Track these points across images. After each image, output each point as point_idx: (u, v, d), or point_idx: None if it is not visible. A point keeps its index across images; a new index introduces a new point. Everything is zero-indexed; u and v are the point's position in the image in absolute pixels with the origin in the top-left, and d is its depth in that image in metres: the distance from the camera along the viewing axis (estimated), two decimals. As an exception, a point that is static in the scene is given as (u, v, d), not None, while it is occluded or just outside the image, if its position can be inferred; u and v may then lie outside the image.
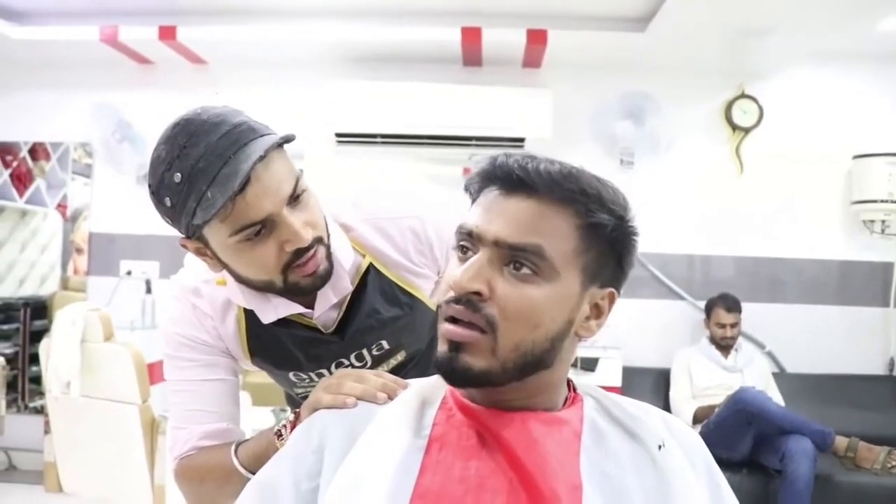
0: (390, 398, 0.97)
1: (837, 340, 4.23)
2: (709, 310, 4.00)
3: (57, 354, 3.18)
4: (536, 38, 3.88)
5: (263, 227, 1.09)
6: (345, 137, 4.07)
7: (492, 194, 0.89)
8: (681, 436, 0.96)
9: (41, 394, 4.11)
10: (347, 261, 1.25)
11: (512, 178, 0.87)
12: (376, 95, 4.02)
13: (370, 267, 1.31)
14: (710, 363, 3.90)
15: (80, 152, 4.51)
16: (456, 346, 0.86)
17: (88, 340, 3.17)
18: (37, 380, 4.24)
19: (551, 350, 0.88)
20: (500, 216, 0.86)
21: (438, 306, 0.90)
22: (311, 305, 1.26)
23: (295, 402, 1.49)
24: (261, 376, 1.47)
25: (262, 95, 3.76)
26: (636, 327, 4.04)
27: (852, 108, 4.22)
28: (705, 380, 3.84)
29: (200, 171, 1.04)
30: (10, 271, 4.70)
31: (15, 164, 4.53)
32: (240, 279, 1.19)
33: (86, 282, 4.51)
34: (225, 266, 1.16)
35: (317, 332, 1.30)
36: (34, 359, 4.13)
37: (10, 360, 4.29)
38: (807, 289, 4.28)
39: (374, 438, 0.89)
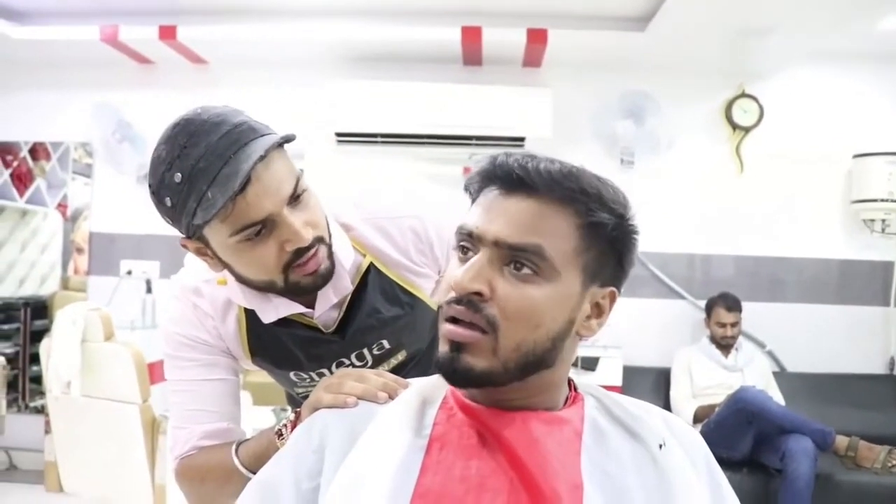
0: (391, 398, 0.97)
1: (838, 340, 4.23)
2: (709, 309, 4.00)
3: (57, 354, 3.18)
4: (536, 38, 3.88)
5: (264, 227, 1.09)
6: (345, 137, 4.07)
7: (491, 194, 0.89)
8: (681, 435, 0.96)
9: (42, 393, 4.11)
10: (348, 260, 1.25)
11: (512, 177, 0.86)
12: (376, 95, 4.02)
13: (371, 266, 1.31)
14: (710, 362, 3.90)
15: (81, 152, 4.51)
16: (457, 346, 0.86)
17: (89, 340, 3.18)
18: (37, 379, 4.24)
19: (553, 350, 0.88)
20: (501, 216, 0.86)
21: (439, 307, 0.90)
22: (311, 305, 1.26)
23: (295, 401, 1.49)
24: (261, 376, 1.47)
25: (262, 95, 3.77)
26: (636, 327, 4.04)
27: (852, 107, 4.22)
28: (706, 379, 3.84)
29: (201, 171, 1.04)
30: (10, 271, 4.70)
31: (15, 163, 4.53)
32: (240, 279, 1.19)
33: (86, 281, 4.52)
34: (225, 266, 1.16)
35: (317, 332, 1.30)
36: (35, 358, 4.14)
37: (11, 360, 4.29)
38: (807, 288, 4.28)
39: (374, 438, 0.89)
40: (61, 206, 4.53)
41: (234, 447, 1.23)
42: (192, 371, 1.29)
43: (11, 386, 4.31)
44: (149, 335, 3.81)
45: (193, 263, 1.29)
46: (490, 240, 0.86)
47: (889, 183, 3.96)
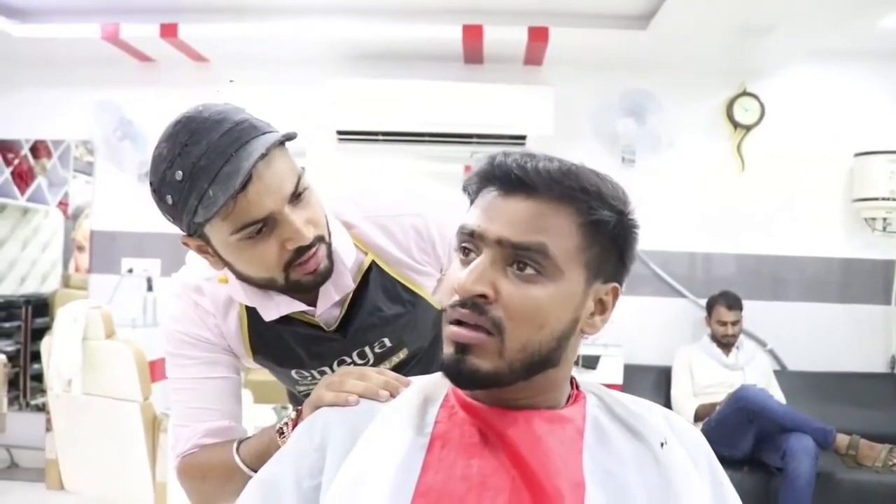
0: (392, 396, 0.97)
1: (839, 338, 4.23)
2: (710, 307, 4.00)
3: (58, 352, 3.18)
4: (538, 36, 3.88)
5: (265, 226, 1.09)
6: (346, 135, 4.06)
7: (490, 195, 0.88)
8: (683, 433, 0.96)
9: (43, 391, 4.12)
10: (349, 258, 1.25)
11: (511, 177, 0.86)
12: (378, 93, 4.02)
13: (372, 264, 1.31)
14: (711, 361, 3.90)
15: (82, 150, 4.51)
16: (462, 347, 0.86)
17: (90, 338, 3.17)
18: (38, 377, 4.24)
19: (558, 349, 0.88)
20: (502, 216, 0.86)
21: (443, 309, 0.89)
22: (313, 303, 1.26)
23: (297, 399, 1.49)
24: (262, 374, 1.47)
25: (263, 93, 3.76)
26: (637, 325, 4.04)
27: (854, 105, 4.22)
28: (706, 377, 3.84)
29: (202, 168, 1.04)
30: (11, 269, 4.70)
31: (16, 161, 4.53)
32: (241, 277, 1.19)
33: (87, 279, 4.52)
34: (226, 264, 1.16)
35: (319, 330, 1.30)
36: (36, 356, 4.14)
37: (12, 358, 4.30)
38: (808, 286, 4.27)
39: (376, 436, 0.89)
40: (62, 204, 4.53)
41: (235, 445, 1.23)
42: (194, 369, 1.29)
43: (12, 384, 4.31)
44: (150, 333, 3.81)
45: (194, 261, 1.29)
46: (493, 239, 0.85)
47: (890, 181, 3.96)
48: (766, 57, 4.03)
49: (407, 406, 0.93)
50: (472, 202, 0.92)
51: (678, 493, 0.86)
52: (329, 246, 1.19)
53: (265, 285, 1.19)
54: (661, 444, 0.90)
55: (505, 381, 0.86)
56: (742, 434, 3.42)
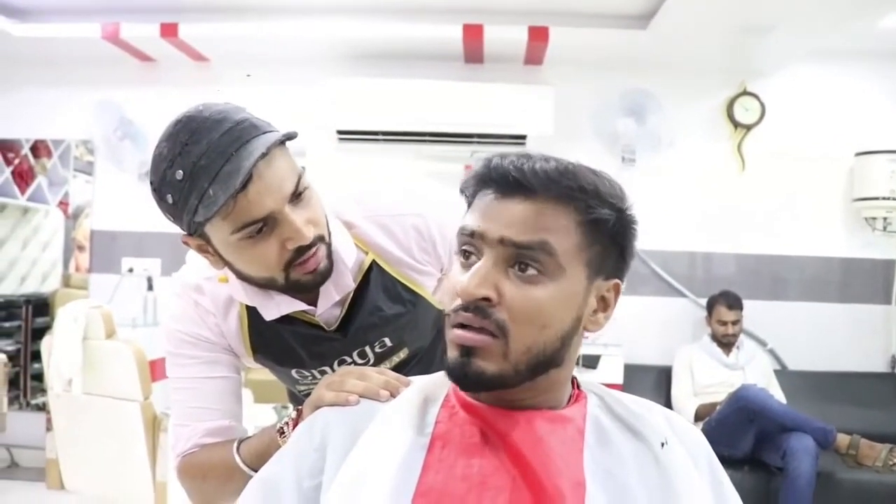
0: (393, 396, 0.97)
1: (839, 338, 4.23)
2: (710, 307, 4.00)
3: (59, 351, 3.18)
4: (538, 36, 3.88)
5: (265, 225, 1.09)
6: (347, 135, 4.06)
7: (488, 197, 0.88)
8: (683, 433, 0.96)
9: (43, 391, 4.12)
10: (350, 258, 1.25)
11: (508, 179, 0.85)
12: (378, 92, 4.02)
13: (373, 264, 1.31)
14: (711, 360, 3.90)
15: (82, 150, 4.51)
16: (467, 350, 0.85)
17: (90, 338, 3.17)
18: (39, 377, 4.25)
19: (562, 348, 0.88)
20: (502, 217, 0.85)
21: (446, 314, 0.89)
22: (313, 303, 1.25)
23: (297, 399, 1.49)
24: (263, 373, 1.47)
25: (263, 93, 3.76)
26: (638, 324, 4.04)
27: (854, 105, 4.22)
28: (707, 377, 3.84)
29: (202, 168, 1.04)
30: (11, 268, 4.70)
31: (17, 161, 4.53)
32: (241, 276, 1.18)
33: (87, 279, 4.52)
34: (227, 263, 1.16)
35: (319, 330, 1.30)
36: (36, 356, 4.14)
37: (12, 357, 4.30)
38: (808, 286, 4.27)
39: (376, 436, 0.89)
40: (63, 204, 4.53)
41: (235, 445, 1.23)
42: (194, 368, 1.29)
43: (13, 383, 4.31)
44: (150, 333, 3.81)
45: (195, 261, 1.29)
46: (495, 239, 0.85)
47: (891, 181, 3.96)
48: (767, 56, 4.03)
49: (407, 406, 0.93)
50: (469, 205, 0.91)
51: (679, 493, 0.86)
52: (329, 246, 1.19)
53: (265, 285, 1.19)
54: (662, 444, 0.90)
55: (510, 383, 0.86)
56: (742, 434, 3.42)
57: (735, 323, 3.90)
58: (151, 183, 1.10)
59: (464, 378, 0.86)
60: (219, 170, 1.04)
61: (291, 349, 1.31)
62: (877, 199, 4.01)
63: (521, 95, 3.99)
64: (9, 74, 4.49)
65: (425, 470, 0.85)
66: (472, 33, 3.87)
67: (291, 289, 1.19)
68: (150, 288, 4.31)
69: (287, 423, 1.14)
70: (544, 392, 0.91)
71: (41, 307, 4.55)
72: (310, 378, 1.37)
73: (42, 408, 4.36)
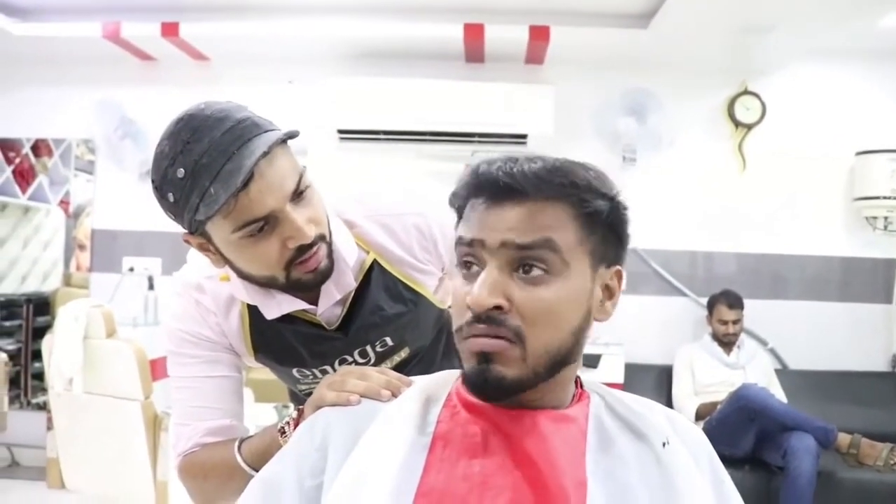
0: (394, 395, 0.97)
1: (840, 337, 4.23)
2: (711, 306, 4.00)
3: (59, 351, 3.18)
4: (539, 35, 3.88)
5: (266, 224, 1.09)
6: (347, 134, 4.06)
7: (481, 206, 0.87)
8: (684, 433, 0.96)
9: (44, 390, 4.12)
10: (351, 257, 1.25)
11: (499, 185, 0.85)
12: (379, 92, 4.02)
13: (374, 263, 1.31)
14: (712, 360, 3.90)
15: (83, 149, 4.51)
16: (486, 357, 0.85)
17: (91, 337, 3.17)
18: (39, 376, 4.25)
19: (576, 345, 0.89)
20: (499, 222, 0.85)
21: (457, 329, 0.88)
22: (314, 302, 1.25)
23: (298, 398, 1.49)
24: (264, 373, 1.47)
25: (264, 92, 3.76)
26: (638, 324, 4.05)
27: (855, 104, 4.22)
28: (708, 376, 3.84)
29: (204, 166, 1.04)
30: (12, 268, 4.71)
31: (17, 160, 4.53)
32: (242, 275, 1.18)
33: (88, 278, 4.52)
34: (228, 262, 1.16)
35: (320, 329, 1.30)
36: (37, 355, 4.14)
37: (13, 357, 4.30)
38: (809, 285, 4.27)
39: (377, 436, 0.89)
40: (63, 203, 4.53)
41: (236, 444, 1.23)
42: (195, 368, 1.29)
43: (13, 382, 4.31)
44: (151, 332, 3.81)
45: (196, 260, 1.28)
46: (496, 244, 0.84)
47: (891, 180, 3.95)
48: (767, 56, 4.03)
49: (409, 406, 0.93)
50: (460, 216, 0.91)
51: (680, 492, 0.86)
52: (330, 245, 1.19)
53: (266, 283, 1.19)
54: (663, 444, 0.90)
55: (529, 386, 0.86)
56: (743, 433, 3.42)
57: (736, 322, 3.90)
58: (153, 181, 1.10)
59: (484, 384, 0.86)
60: (220, 168, 1.04)
61: (292, 348, 1.31)
62: (877, 198, 4.01)
63: (521, 95, 3.99)
64: (10, 73, 4.49)
65: (427, 470, 0.85)
66: (473, 33, 3.87)
67: (292, 288, 1.19)
68: (151, 287, 4.31)
69: (288, 423, 1.14)
70: (551, 391, 0.91)
71: (42, 306, 4.56)
72: (311, 377, 1.37)
73: (43, 407, 4.36)
